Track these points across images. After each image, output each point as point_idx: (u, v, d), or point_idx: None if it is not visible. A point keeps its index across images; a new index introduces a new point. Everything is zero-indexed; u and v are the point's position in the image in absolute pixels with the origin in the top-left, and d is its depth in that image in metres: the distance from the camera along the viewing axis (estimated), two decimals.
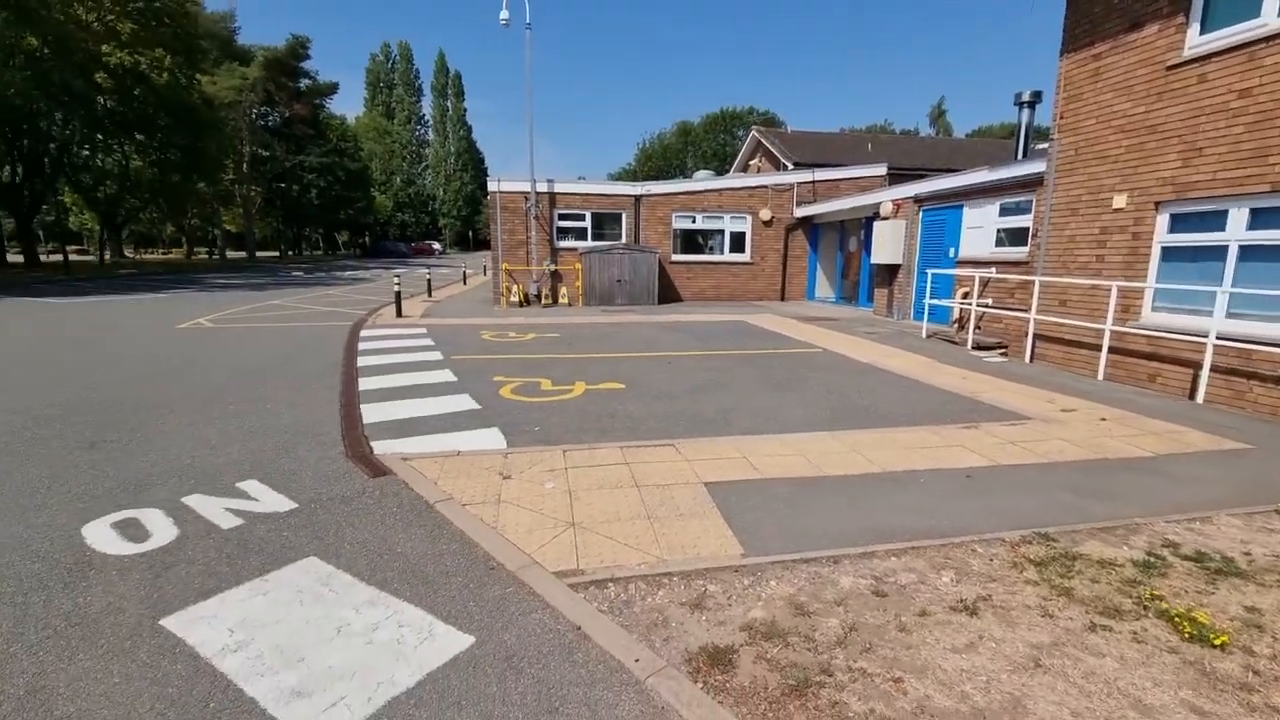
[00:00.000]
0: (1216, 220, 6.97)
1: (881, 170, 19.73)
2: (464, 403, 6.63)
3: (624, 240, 18.50)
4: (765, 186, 19.26)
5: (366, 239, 70.05)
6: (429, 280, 20.88)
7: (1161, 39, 7.41)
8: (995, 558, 3.34)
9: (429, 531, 3.67)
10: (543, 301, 17.92)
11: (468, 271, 30.00)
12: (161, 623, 2.79)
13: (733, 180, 20.45)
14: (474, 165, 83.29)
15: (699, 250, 19.52)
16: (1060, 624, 2.75)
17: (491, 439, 5.43)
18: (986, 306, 10.77)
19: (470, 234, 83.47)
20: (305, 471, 4.62)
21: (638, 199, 18.44)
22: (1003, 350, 9.97)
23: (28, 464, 4.72)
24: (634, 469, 4.63)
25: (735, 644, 2.64)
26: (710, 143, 60.56)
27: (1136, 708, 2.25)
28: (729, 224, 19.13)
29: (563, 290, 18.14)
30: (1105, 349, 7.94)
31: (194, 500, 4.08)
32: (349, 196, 57.53)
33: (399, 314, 14.34)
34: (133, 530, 3.67)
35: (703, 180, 20.43)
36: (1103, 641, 2.63)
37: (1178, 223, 7.43)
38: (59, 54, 25.54)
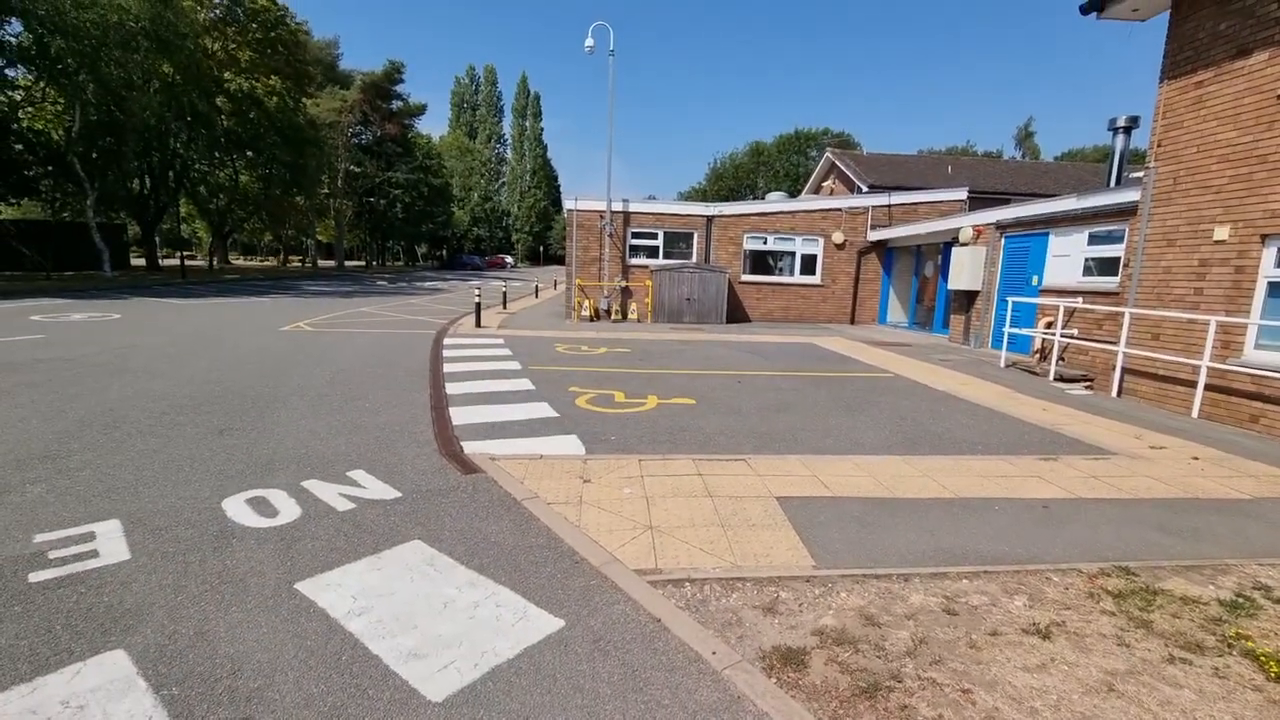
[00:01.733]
0: None
1: (962, 194, 19.28)
2: (543, 410, 7.01)
3: (694, 259, 18.78)
4: (839, 209, 19.16)
5: (444, 252, 73.41)
6: (504, 293, 21.78)
7: (1271, 67, 7.09)
8: (1070, 587, 3.35)
9: (518, 525, 3.99)
10: (613, 317, 18.38)
11: (539, 285, 31.03)
12: (296, 586, 3.20)
13: (805, 202, 20.44)
14: (547, 182, 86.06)
15: (769, 271, 19.57)
16: (1137, 654, 2.77)
17: (571, 445, 5.76)
18: (1071, 337, 10.39)
19: (541, 249, 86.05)
20: (405, 465, 5.07)
21: (709, 219, 18.71)
22: (1088, 383, 9.59)
23: (171, 444, 5.37)
24: (707, 480, 4.84)
25: (807, 646, 2.80)
26: (783, 163, 60.31)
27: None
28: (800, 246, 19.11)
29: (632, 306, 18.56)
30: (1201, 386, 7.56)
31: (312, 484, 4.57)
32: (430, 211, 60.57)
33: (478, 324, 15.08)
34: (263, 507, 4.16)
35: (775, 202, 20.52)
36: (1181, 674, 2.64)
37: None
38: (189, 80, 28.35)
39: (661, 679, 2.58)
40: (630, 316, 18.51)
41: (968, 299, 14.35)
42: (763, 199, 24.03)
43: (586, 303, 18.36)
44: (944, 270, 15.77)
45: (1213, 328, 7.43)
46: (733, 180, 61.56)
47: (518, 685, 2.53)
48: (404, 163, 55.26)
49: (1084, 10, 9.09)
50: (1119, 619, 3.04)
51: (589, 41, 17.51)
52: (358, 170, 51.51)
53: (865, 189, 23.32)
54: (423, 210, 59.07)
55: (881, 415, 7.23)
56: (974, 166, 29.96)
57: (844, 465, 5.30)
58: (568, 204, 18.75)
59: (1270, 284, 7.21)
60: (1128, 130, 14.78)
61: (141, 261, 37.31)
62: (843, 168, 26.97)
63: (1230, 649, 2.80)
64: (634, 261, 18.78)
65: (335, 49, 51.20)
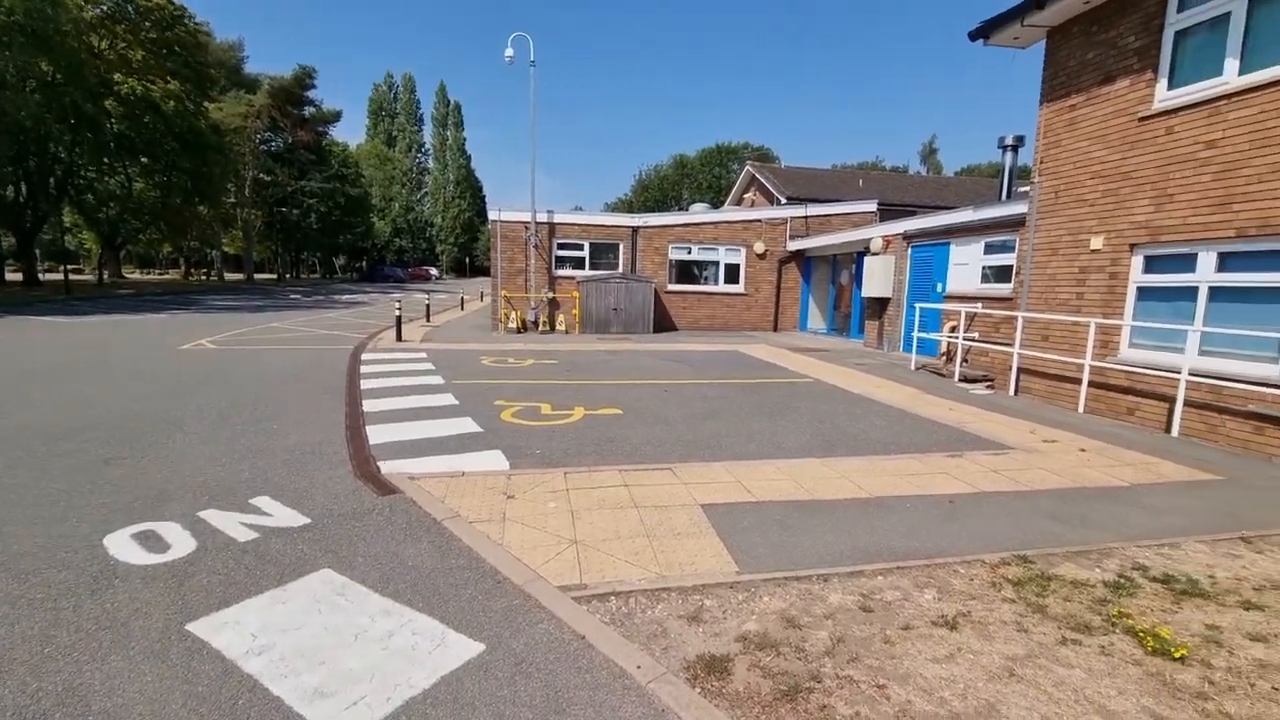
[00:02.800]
0: (1187, 263, 7.34)
1: (872, 206, 20.29)
2: (467, 425, 6.81)
3: (621, 270, 18.87)
4: (759, 220, 19.75)
5: (363, 263, 70.54)
6: (428, 305, 21.12)
7: (1132, 93, 7.86)
8: (975, 578, 3.53)
9: (438, 547, 3.83)
10: (540, 328, 18.18)
11: (465, 297, 30.32)
12: (188, 627, 2.94)
13: (728, 214, 20.97)
14: (472, 193, 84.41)
15: (694, 280, 19.91)
16: (1034, 638, 2.95)
17: (495, 460, 5.61)
18: (973, 340, 11.09)
19: (467, 260, 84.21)
20: (315, 489, 4.79)
21: (635, 230, 18.86)
22: (989, 383, 10.26)
23: (45, 479, 4.86)
24: (633, 491, 4.82)
25: (730, 653, 2.81)
26: (706, 175, 61.76)
27: (1101, 713, 2.44)
28: (724, 255, 19.56)
29: (560, 317, 18.42)
30: (1085, 383, 8.23)
31: (210, 515, 4.24)
32: (348, 221, 58.17)
33: (399, 338, 14.55)
34: (152, 541, 3.82)
35: (699, 213, 20.95)
36: (1072, 654, 2.82)
37: (1152, 264, 7.80)
38: (71, 79, 26.07)
39: (585, 698, 2.53)
40: (558, 328, 18.36)
41: (880, 305, 15.08)
42: (687, 210, 24.46)
43: (513, 314, 18.08)
44: (858, 278, 16.52)
45: (1093, 329, 8.11)
46: (658, 192, 62.49)
47: (433, 717, 2.41)
48: (318, 171, 52.88)
49: (972, 37, 9.79)
50: (1018, 605, 3.23)
51: (509, 52, 17.36)
52: (268, 178, 48.83)
53: (784, 201, 24.18)
54: (340, 220, 56.65)
55: (802, 419, 7.45)
56: (883, 180, 31.69)
57: (767, 470, 5.42)
58: (492, 215, 18.45)
59: (1139, 289, 7.95)
60: (1015, 148, 16.02)
61: (18, 276, 33.84)
62: (763, 180, 27.89)
63: (1114, 627, 3.03)
64: (560, 272, 18.67)
65: (240, 51, 48.54)
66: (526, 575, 3.48)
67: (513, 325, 17.96)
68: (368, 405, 7.67)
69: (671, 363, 12.17)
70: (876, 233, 15.21)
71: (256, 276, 54.29)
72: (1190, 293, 7.30)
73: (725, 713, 2.44)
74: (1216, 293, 7.06)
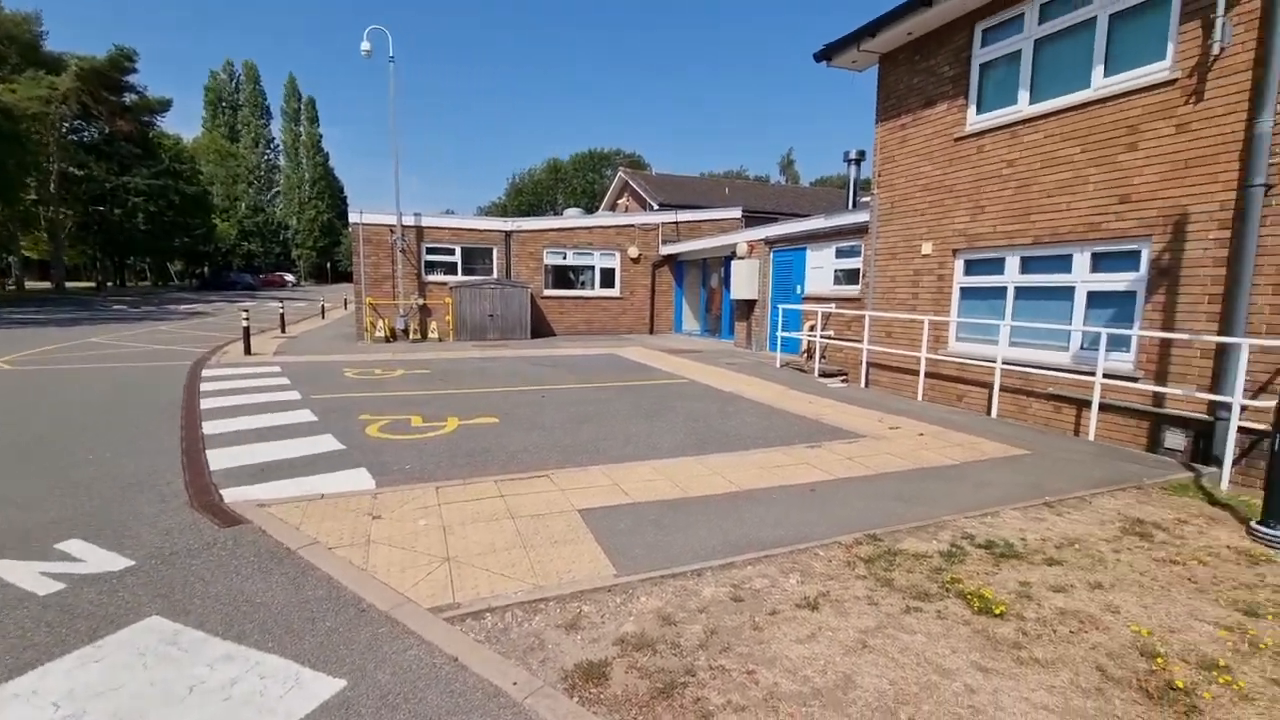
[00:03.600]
0: (998, 266, 8.41)
1: (738, 213, 21.35)
2: (327, 443, 6.32)
3: (495, 275, 18.43)
4: (633, 225, 20.11)
5: (204, 270, 63.26)
6: (282, 314, 19.39)
7: (950, 115, 8.90)
8: (833, 559, 3.81)
9: (292, 579, 3.52)
10: (411, 337, 17.31)
11: (326, 305, 28.18)
12: None
13: (602, 219, 21.17)
14: (331, 194, 78.57)
15: (571, 285, 19.89)
16: (883, 610, 3.23)
17: (359, 479, 5.25)
18: (829, 338, 12.00)
19: (328, 265, 78.23)
20: (141, 526, 4.22)
21: (508, 234, 18.51)
22: (844, 377, 11.15)
23: None
24: (509, 501, 4.71)
25: (608, 658, 2.82)
26: (580, 180, 61.98)
27: (938, 671, 2.72)
28: (599, 260, 19.71)
29: (432, 325, 17.65)
30: (922, 374, 9.19)
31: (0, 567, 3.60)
32: (184, 222, 51.90)
33: (248, 351, 13.22)
34: None
35: (573, 218, 20.99)
36: (915, 621, 3.13)
37: (971, 267, 8.86)
38: None
39: None
40: (431, 335, 17.58)
41: (748, 307, 15.90)
42: (562, 215, 24.41)
43: (381, 322, 17.08)
44: (726, 281, 17.31)
45: (926, 326, 9.07)
46: (532, 196, 61.83)
47: None
48: (145, 166, 46.65)
49: (816, 58, 10.62)
50: (869, 581, 3.52)
51: (365, 45, 16.40)
52: (80, 173, 42.42)
53: (656, 206, 24.81)
54: (174, 221, 50.35)
55: (677, 419, 7.67)
56: (747, 189, 33.49)
57: (643, 470, 5.51)
58: (353, 217, 17.31)
59: (962, 289, 9.00)
60: (857, 162, 17.58)
61: None
62: (635, 186, 28.46)
63: (948, 593, 3.39)
64: (431, 278, 17.90)
65: (37, 25, 41.77)
66: (394, 600, 3.28)
67: (380, 334, 16.96)
68: (209, 427, 6.90)
69: (549, 368, 12.06)
70: (742, 238, 16.02)
71: (69, 285, 46.96)
72: (1001, 292, 8.37)
73: (603, 718, 2.44)
74: (1021, 292, 8.15)
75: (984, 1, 8.26)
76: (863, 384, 10.52)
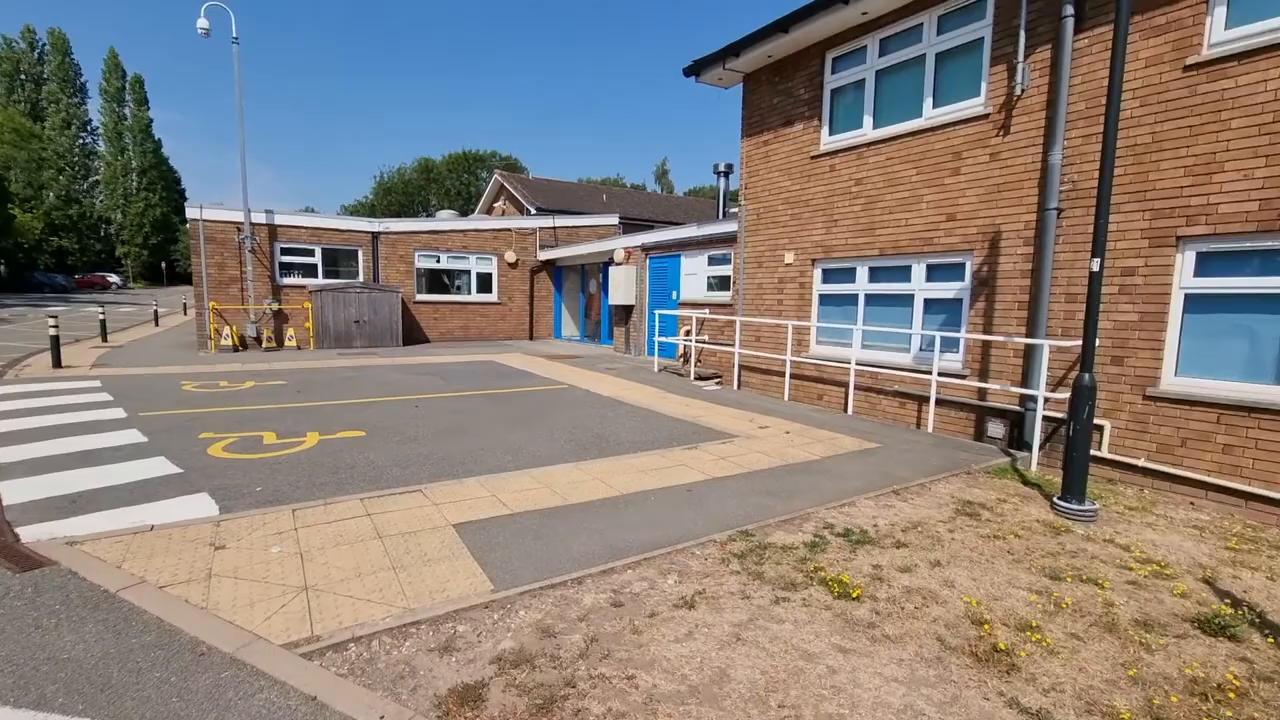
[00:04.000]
0: (850, 275, 9.18)
1: (615, 219, 21.65)
2: (159, 467, 5.59)
3: (362, 278, 17.31)
4: (510, 229, 19.74)
5: (2, 269, 53.70)
6: (102, 320, 16.93)
7: (806, 135, 9.60)
8: (709, 557, 3.95)
9: (111, 626, 3.07)
10: (264, 345, 15.81)
11: (160, 310, 24.99)
12: None
13: (478, 221, 20.59)
14: (166, 185, 69.59)
15: (445, 290, 19.15)
16: (754, 602, 3.39)
17: (199, 506, 4.70)
18: (703, 343, 12.47)
19: (164, 266, 69.29)
20: None
21: (376, 236, 17.48)
22: (718, 380, 11.63)
23: None
24: (377, 520, 4.43)
25: (485, 678, 2.73)
26: (454, 182, 59.81)
27: (804, 656, 2.91)
28: (475, 264, 19.14)
29: (290, 332, 16.24)
30: (788, 376, 9.80)
31: None
32: None
33: (57, 363, 11.41)
34: None
35: (447, 220, 20.22)
36: (783, 611, 3.32)
37: (828, 276, 9.59)
38: None
39: None
40: (288, 343, 16.16)
41: (626, 312, 16.14)
42: (435, 217, 23.45)
43: (228, 330, 15.44)
44: (605, 287, 17.46)
45: (790, 330, 9.70)
46: (403, 196, 58.77)
47: None
48: None
49: (686, 73, 11.03)
50: (742, 576, 3.69)
51: (202, 23, 14.80)
52: None
53: (533, 211, 24.53)
54: None
55: (557, 426, 7.61)
56: (624, 196, 34.00)
57: (522, 480, 5.41)
58: (191, 213, 15.54)
59: (821, 296, 9.72)
60: (726, 174, 18.45)
61: None
62: (512, 190, 27.96)
63: (811, 581, 3.64)
64: (288, 281, 16.48)
65: None
66: (240, 639, 2.97)
67: (227, 342, 15.33)
68: (1, 454, 5.86)
69: (423, 376, 11.51)
70: (619, 244, 16.24)
71: None
72: (854, 299, 9.13)
73: None
74: (870, 298, 8.94)
75: (834, 32, 8.99)
76: (735, 386, 11.04)
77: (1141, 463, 5.98)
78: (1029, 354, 6.92)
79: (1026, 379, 6.93)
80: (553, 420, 7.95)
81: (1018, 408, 7.04)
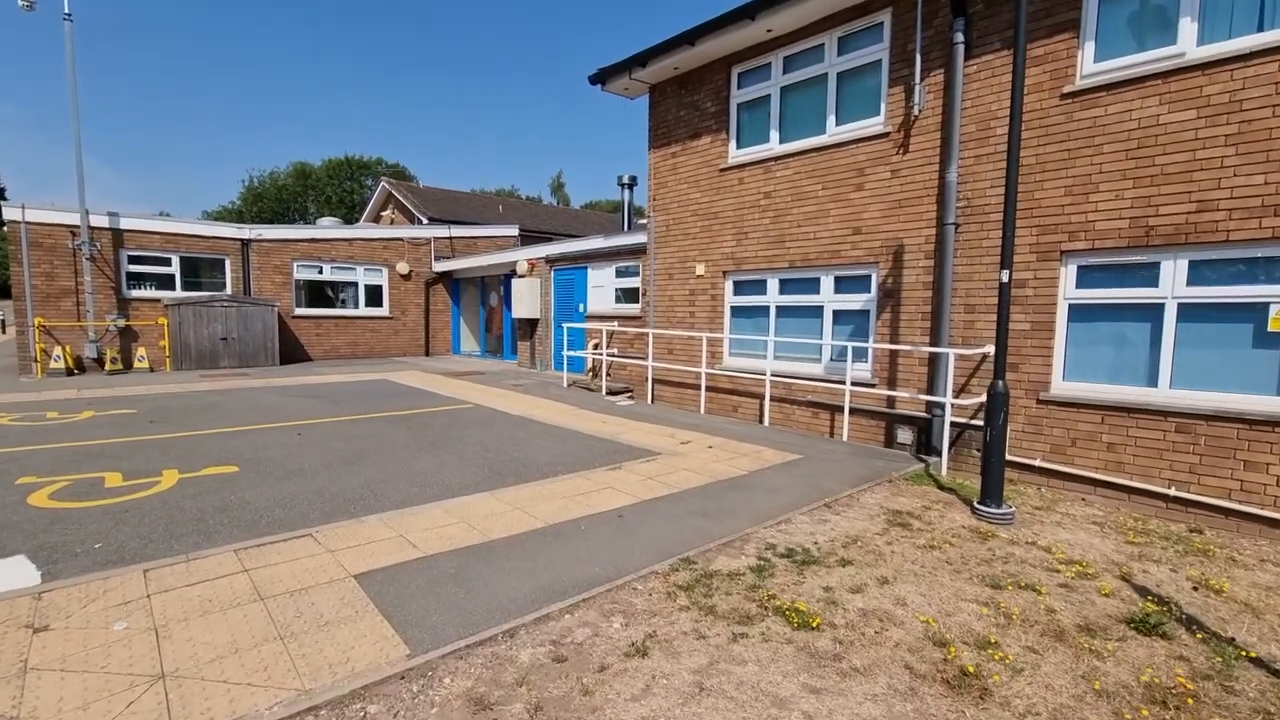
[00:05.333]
0: (761, 287, 9.25)
1: (515, 230, 20.99)
2: None
3: (230, 291, 15.54)
4: (402, 239, 18.57)
5: None
6: None
7: (714, 148, 9.63)
8: (653, 591, 3.62)
9: None
10: (107, 368, 13.74)
11: None
12: None
13: (366, 230, 19.18)
14: None
15: (330, 304, 17.65)
16: (712, 643, 3.09)
17: (11, 573, 3.74)
18: (614, 356, 12.18)
19: None
20: None
21: (247, 244, 15.78)
22: (630, 394, 11.37)
23: None
24: (257, 576, 3.71)
25: None
26: (335, 189, 55.96)
27: (776, 703, 2.63)
28: (363, 276, 17.79)
29: (140, 352, 14.23)
30: (703, 389, 9.72)
31: None
32: None
33: None
34: None
35: (330, 228, 18.68)
36: (744, 649, 3.04)
37: (739, 288, 9.62)
38: None
39: None
40: (138, 365, 14.14)
41: (530, 326, 15.56)
42: (316, 224, 21.66)
43: (59, 350, 13.26)
44: (507, 300, 16.78)
45: (704, 342, 9.63)
46: (276, 202, 54.17)
47: None
48: None
49: (591, 80, 10.80)
50: (693, 612, 3.38)
51: None
52: None
53: (425, 221, 23.29)
54: None
55: (466, 450, 7.00)
56: (521, 208, 33.25)
57: (434, 514, 4.82)
58: (11, 213, 13.25)
59: (733, 308, 9.73)
60: (630, 186, 18.35)
61: None
62: (401, 199, 26.44)
63: (767, 612, 3.39)
64: (137, 294, 14.47)
65: None
66: None
67: (59, 365, 13.16)
68: None
69: (307, 399, 10.36)
70: (522, 256, 15.67)
71: None
72: (766, 310, 9.20)
73: None
74: (782, 310, 9.05)
75: (740, 47, 9.09)
76: (649, 400, 10.82)
77: (1038, 463, 6.33)
78: (933, 362, 7.20)
79: (932, 386, 7.20)
80: (461, 444, 7.31)
81: (925, 414, 7.29)
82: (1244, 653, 3.06)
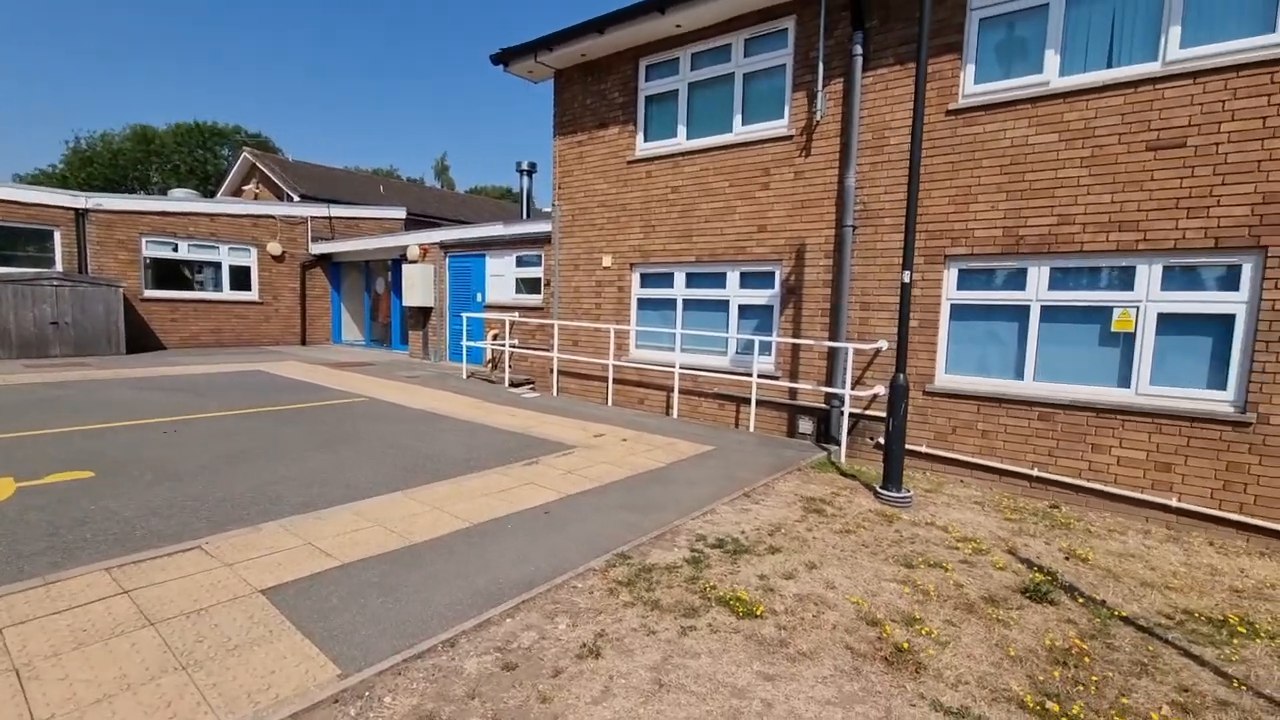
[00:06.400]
0: (669, 280, 9.38)
1: (401, 213, 19.83)
2: None
3: (60, 268, 13.43)
4: (274, 216, 16.95)
5: None
6: None
7: (622, 139, 9.61)
8: (594, 589, 3.56)
9: None
10: None
11: None
12: None
13: (231, 205, 17.30)
14: None
15: (187, 285, 15.80)
16: (662, 638, 3.09)
17: None
18: (515, 347, 11.87)
19: None
20: None
21: (82, 214, 13.71)
22: (532, 385, 11.14)
23: None
24: (141, 598, 3.24)
25: None
26: (185, 158, 49.95)
27: (736, 694, 2.68)
28: (228, 256, 16.06)
29: None
30: (610, 380, 9.71)
31: None
32: None
33: None
34: None
35: (186, 200, 16.66)
36: (694, 642, 3.07)
37: (646, 280, 9.69)
38: None
39: None
40: None
41: (423, 315, 14.79)
42: (169, 196, 19.22)
43: None
44: (396, 287, 15.85)
45: (612, 334, 9.62)
46: (111, 169, 47.41)
47: None
48: None
49: (494, 60, 10.38)
50: (638, 608, 3.37)
51: None
52: None
53: (297, 198, 21.37)
54: None
55: (369, 447, 6.52)
56: (404, 190, 31.40)
57: (344, 518, 4.45)
58: None
59: (640, 300, 9.79)
60: (530, 172, 17.97)
61: None
62: (267, 172, 24.07)
63: (710, 603, 3.45)
64: None
65: None
66: None
67: None
68: None
69: (169, 392, 9.19)
70: (413, 240, 14.83)
71: None
72: (673, 303, 9.34)
73: None
74: (689, 303, 9.22)
75: (649, 39, 9.10)
76: (554, 392, 10.65)
77: (924, 449, 6.93)
78: (832, 356, 7.65)
79: (831, 379, 7.65)
80: (361, 440, 6.80)
81: (824, 405, 7.75)
82: (1115, 613, 3.54)
